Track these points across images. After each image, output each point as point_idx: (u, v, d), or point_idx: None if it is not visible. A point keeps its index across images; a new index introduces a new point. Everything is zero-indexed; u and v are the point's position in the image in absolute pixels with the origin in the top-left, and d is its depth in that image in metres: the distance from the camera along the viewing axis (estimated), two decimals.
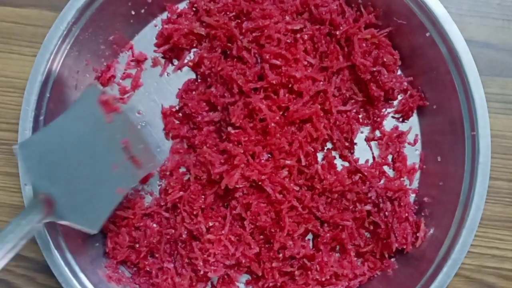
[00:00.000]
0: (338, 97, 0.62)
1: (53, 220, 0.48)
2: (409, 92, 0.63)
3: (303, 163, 0.60)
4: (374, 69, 0.60)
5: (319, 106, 0.60)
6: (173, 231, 0.60)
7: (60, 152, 0.49)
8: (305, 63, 0.61)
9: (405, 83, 0.63)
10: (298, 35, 0.61)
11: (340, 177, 0.60)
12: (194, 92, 0.63)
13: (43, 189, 0.45)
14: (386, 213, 0.60)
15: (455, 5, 0.66)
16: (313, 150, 0.61)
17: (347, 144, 0.63)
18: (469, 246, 0.54)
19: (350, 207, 0.61)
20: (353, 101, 0.63)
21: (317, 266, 0.59)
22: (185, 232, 0.60)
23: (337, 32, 0.61)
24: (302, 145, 0.60)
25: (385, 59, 0.61)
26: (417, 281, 0.56)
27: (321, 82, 0.61)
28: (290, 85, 0.59)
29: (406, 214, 0.60)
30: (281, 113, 0.60)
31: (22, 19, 0.66)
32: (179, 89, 0.64)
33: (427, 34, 0.58)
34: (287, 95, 0.60)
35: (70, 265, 0.55)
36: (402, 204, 0.60)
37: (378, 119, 0.63)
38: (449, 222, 0.56)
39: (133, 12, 0.62)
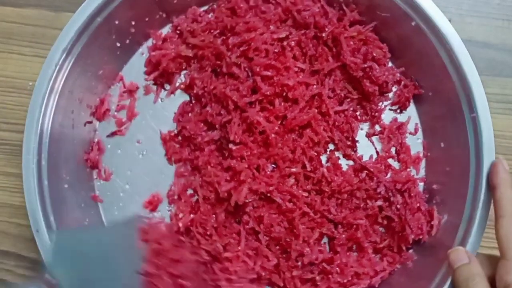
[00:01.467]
0: (333, 98, 0.62)
1: None
2: (402, 82, 0.63)
3: (308, 169, 0.60)
4: (365, 65, 0.60)
5: (316, 110, 0.60)
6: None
7: (83, 254, 0.51)
8: (296, 69, 0.61)
9: (398, 74, 0.63)
10: (285, 43, 0.61)
11: (347, 177, 0.60)
12: (190, 114, 0.63)
13: (54, 275, 0.48)
14: (398, 206, 0.59)
15: (455, 5, 0.66)
16: (316, 154, 0.61)
17: (349, 143, 0.63)
18: (485, 227, 0.54)
19: (361, 205, 0.61)
20: (348, 99, 0.63)
21: (337, 268, 0.59)
22: (205, 254, 0.59)
23: (323, 34, 0.61)
24: (305, 151, 0.60)
25: (374, 54, 0.61)
26: (438, 268, 0.55)
27: (315, 86, 0.61)
28: (284, 94, 0.60)
29: (418, 204, 0.59)
30: (279, 122, 0.60)
31: (22, 19, 0.67)
32: (174, 113, 0.64)
33: (413, 24, 0.58)
34: (282, 103, 0.60)
35: None
36: (412, 194, 0.60)
37: (376, 113, 0.63)
38: (461, 206, 0.56)
39: (118, 44, 0.62)
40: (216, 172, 0.59)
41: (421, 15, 0.57)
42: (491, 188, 0.53)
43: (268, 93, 0.59)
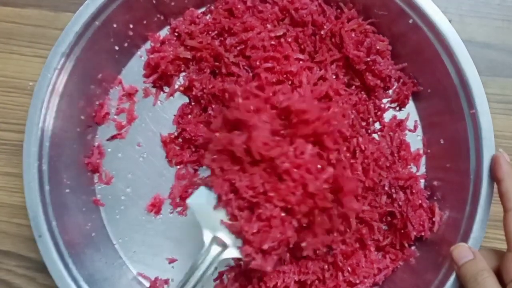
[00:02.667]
0: (338, 81, 0.62)
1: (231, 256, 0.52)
2: (401, 80, 0.63)
3: (347, 134, 0.59)
4: (368, 59, 0.60)
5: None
6: None
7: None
8: (295, 57, 0.61)
9: (398, 71, 0.63)
10: (282, 40, 0.61)
11: (380, 147, 0.60)
12: (190, 116, 0.63)
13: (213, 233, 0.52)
14: (400, 203, 0.60)
15: (455, 6, 0.66)
16: (351, 122, 0.60)
17: (363, 123, 0.63)
18: (487, 222, 0.54)
19: (372, 204, 0.60)
20: (353, 87, 0.63)
21: (349, 268, 0.59)
22: None
23: (322, 32, 0.61)
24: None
25: (378, 47, 0.61)
26: (441, 264, 0.55)
27: (318, 70, 0.61)
28: (290, 82, 0.59)
29: (420, 201, 0.60)
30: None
31: (22, 19, 0.67)
32: (174, 115, 0.64)
33: (410, 21, 0.58)
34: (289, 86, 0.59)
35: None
36: (414, 191, 0.60)
37: (379, 112, 0.63)
38: (463, 202, 0.56)
39: (116, 47, 0.62)
40: (226, 135, 0.52)
41: (420, 14, 0.57)
42: (496, 182, 0.53)
43: (274, 80, 0.58)
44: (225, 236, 0.52)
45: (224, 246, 0.52)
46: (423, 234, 0.59)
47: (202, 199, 0.54)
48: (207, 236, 0.52)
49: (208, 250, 0.52)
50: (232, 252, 0.52)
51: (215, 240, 0.52)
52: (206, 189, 0.54)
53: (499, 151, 0.54)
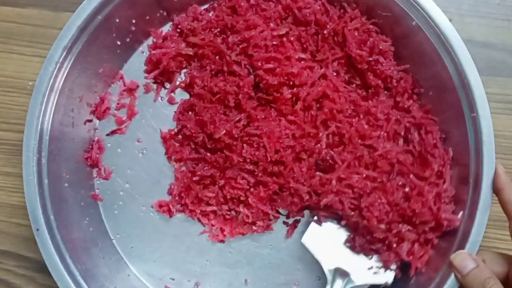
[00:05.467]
0: (339, 78, 0.62)
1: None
2: (403, 81, 0.63)
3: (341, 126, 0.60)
4: (371, 58, 0.60)
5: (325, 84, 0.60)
6: None
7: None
8: (297, 57, 0.61)
9: (400, 72, 0.63)
10: (285, 39, 0.61)
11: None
12: (190, 113, 0.63)
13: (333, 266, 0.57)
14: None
15: (455, 5, 0.66)
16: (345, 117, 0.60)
17: None
18: (484, 227, 0.54)
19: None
20: (354, 85, 0.63)
21: None
22: None
23: (325, 31, 0.61)
24: (334, 115, 0.60)
25: (381, 47, 0.61)
26: (439, 267, 0.55)
27: (319, 68, 0.61)
28: (291, 83, 0.59)
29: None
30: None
31: (22, 19, 0.67)
32: (174, 111, 0.64)
33: (413, 23, 0.58)
34: (289, 90, 0.60)
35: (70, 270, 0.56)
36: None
37: None
38: (462, 205, 0.56)
39: (118, 42, 0.62)
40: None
41: (422, 14, 0.57)
42: (496, 193, 0.53)
43: (275, 82, 0.58)
44: (347, 265, 0.57)
45: (345, 274, 0.56)
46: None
47: (315, 236, 0.59)
48: (328, 269, 0.57)
49: (332, 283, 0.56)
50: (358, 279, 0.57)
51: (337, 271, 0.57)
52: (317, 225, 0.60)
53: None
